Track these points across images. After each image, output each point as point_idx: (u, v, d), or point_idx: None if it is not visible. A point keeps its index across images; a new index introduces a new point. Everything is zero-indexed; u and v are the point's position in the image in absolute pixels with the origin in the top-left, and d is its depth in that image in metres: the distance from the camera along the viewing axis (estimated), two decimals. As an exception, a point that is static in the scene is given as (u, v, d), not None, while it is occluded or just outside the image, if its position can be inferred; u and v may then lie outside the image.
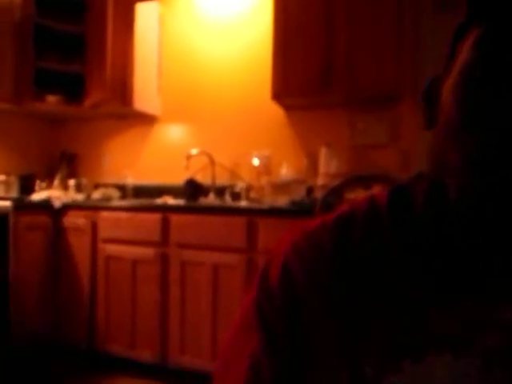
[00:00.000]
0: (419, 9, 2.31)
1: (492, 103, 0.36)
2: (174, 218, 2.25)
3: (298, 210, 2.08)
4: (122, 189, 2.90)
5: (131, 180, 2.95)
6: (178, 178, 2.70)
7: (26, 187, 2.70)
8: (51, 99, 2.80)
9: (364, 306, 0.43)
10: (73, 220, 2.48)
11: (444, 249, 0.42)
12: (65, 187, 2.87)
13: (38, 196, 2.56)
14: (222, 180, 2.72)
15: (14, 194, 2.64)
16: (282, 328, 0.45)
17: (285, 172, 2.53)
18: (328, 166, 2.39)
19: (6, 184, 2.63)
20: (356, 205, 0.49)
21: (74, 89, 2.83)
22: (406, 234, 0.44)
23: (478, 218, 0.39)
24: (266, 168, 2.58)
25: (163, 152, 2.95)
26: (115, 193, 2.77)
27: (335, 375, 0.42)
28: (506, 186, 0.36)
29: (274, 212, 2.10)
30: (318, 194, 2.33)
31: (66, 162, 3.10)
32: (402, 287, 0.42)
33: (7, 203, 2.19)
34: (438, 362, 0.39)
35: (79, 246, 2.45)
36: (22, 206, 2.33)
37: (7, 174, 2.69)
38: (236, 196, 2.62)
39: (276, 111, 2.63)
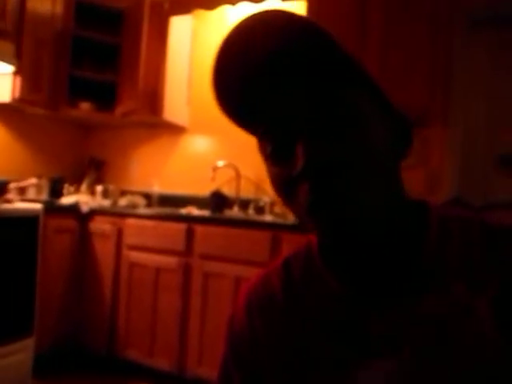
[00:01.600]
0: (452, 31, 2.31)
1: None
2: (199, 229, 2.28)
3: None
4: (148, 197, 2.95)
5: (157, 189, 3.00)
6: (204, 189, 2.74)
7: (56, 191, 2.77)
8: (84, 106, 2.88)
9: (311, 334, 0.50)
10: (99, 225, 2.53)
11: (358, 272, 0.49)
12: (92, 192, 2.93)
13: (66, 200, 2.62)
14: (247, 193, 2.75)
15: (45, 196, 2.71)
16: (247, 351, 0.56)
17: (310, 188, 2.53)
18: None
19: (38, 187, 2.70)
20: (298, 248, 0.58)
21: (106, 97, 2.91)
22: (333, 267, 0.52)
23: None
24: (291, 183, 2.60)
25: (190, 162, 3.00)
26: (141, 200, 2.82)
27: None
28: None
29: (298, 228, 2.10)
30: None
31: (94, 168, 3.17)
32: (338, 311, 0.49)
33: (38, 206, 2.25)
34: (380, 366, 0.44)
35: (104, 252, 2.50)
36: (52, 209, 2.39)
37: (39, 176, 2.77)
38: (260, 210, 2.64)
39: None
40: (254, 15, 0.46)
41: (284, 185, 0.46)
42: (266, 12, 0.45)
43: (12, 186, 2.61)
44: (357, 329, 0.47)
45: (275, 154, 0.46)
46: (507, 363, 0.41)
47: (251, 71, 0.45)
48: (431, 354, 0.43)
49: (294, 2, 2.67)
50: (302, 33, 0.42)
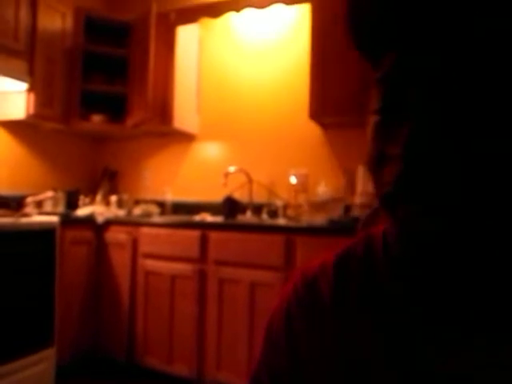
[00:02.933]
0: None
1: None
2: (213, 235, 2.29)
3: (335, 229, 2.07)
4: (162, 205, 2.98)
5: (170, 196, 3.03)
6: (216, 195, 2.75)
7: (71, 202, 2.82)
8: (96, 119, 2.93)
9: (364, 354, 0.42)
10: (114, 235, 2.56)
11: (437, 290, 0.39)
12: (106, 203, 2.97)
13: (82, 211, 2.67)
14: (260, 198, 2.75)
15: (61, 208, 2.76)
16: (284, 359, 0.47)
17: (322, 190, 2.53)
18: (365, 185, 2.37)
19: (54, 199, 2.76)
20: (352, 247, 0.48)
21: (116, 109, 2.96)
22: (401, 279, 0.42)
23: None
24: (304, 186, 2.60)
25: (201, 169, 3.02)
26: (155, 209, 2.85)
27: None
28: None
29: (312, 230, 2.10)
30: (356, 213, 2.32)
31: (108, 179, 3.22)
32: (403, 333, 0.40)
33: (55, 218, 2.30)
34: None
35: (120, 261, 2.53)
36: (68, 221, 2.44)
37: (55, 189, 2.82)
38: (273, 214, 2.64)
39: (313, 130, 2.65)
40: None
41: (378, 154, 0.38)
42: None
43: (29, 199, 2.67)
44: (422, 358, 0.38)
45: (383, 109, 0.37)
46: None
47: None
48: None
49: (299, 5, 2.68)
50: None
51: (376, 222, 0.50)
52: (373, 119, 0.38)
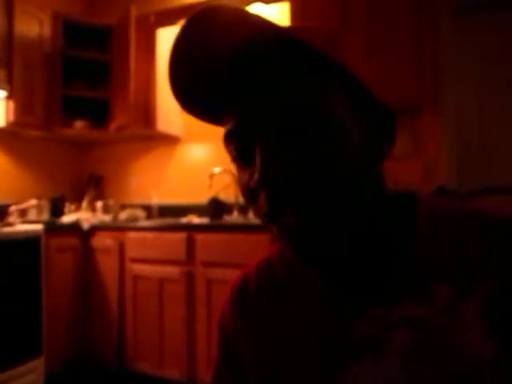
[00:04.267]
0: (437, 18, 2.31)
1: None
2: (199, 237, 2.29)
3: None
4: (148, 209, 2.97)
5: (156, 200, 3.02)
6: (202, 197, 2.75)
7: (57, 210, 2.80)
8: (79, 125, 2.91)
9: (293, 334, 0.49)
10: (101, 241, 2.55)
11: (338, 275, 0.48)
12: (93, 209, 2.95)
13: (67, 218, 2.64)
14: (245, 197, 2.75)
15: (45, 216, 2.73)
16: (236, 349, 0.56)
17: (307, 188, 2.54)
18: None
19: (39, 207, 2.73)
20: (282, 246, 0.55)
21: (99, 114, 2.94)
22: (320, 268, 0.49)
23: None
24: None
25: (187, 172, 3.01)
26: (141, 213, 2.83)
27: None
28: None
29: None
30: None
31: (93, 185, 3.20)
32: (322, 310, 0.48)
33: (39, 226, 2.27)
34: (361, 368, 0.43)
35: (107, 266, 2.51)
36: (53, 228, 2.42)
37: (39, 197, 2.79)
38: (259, 213, 2.64)
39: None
40: (208, 9, 0.41)
41: (246, 190, 0.45)
42: (221, 7, 0.41)
43: (13, 208, 2.64)
44: (338, 330, 0.46)
45: (238, 157, 0.45)
46: (497, 367, 0.39)
47: (218, 63, 0.43)
48: (413, 357, 0.41)
49: (277, 4, 2.69)
50: (268, 27, 0.40)
51: None
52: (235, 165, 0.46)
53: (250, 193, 0.44)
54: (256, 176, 0.41)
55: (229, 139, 0.45)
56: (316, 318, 0.48)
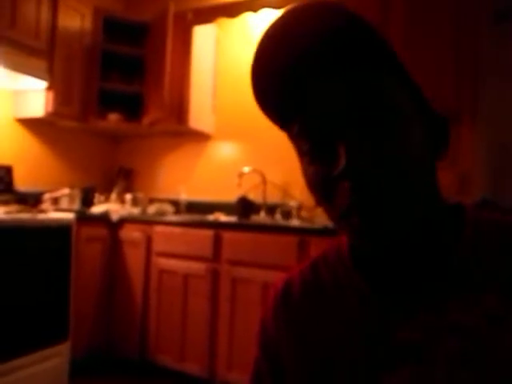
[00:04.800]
0: (477, 22, 2.25)
1: None
2: (226, 235, 2.29)
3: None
4: (176, 204, 3.00)
5: (184, 196, 3.04)
6: (230, 195, 2.76)
7: (87, 200, 2.86)
8: (112, 117, 2.96)
9: (337, 336, 0.49)
10: (129, 233, 2.58)
11: (391, 275, 0.48)
12: (121, 201, 3.00)
13: (97, 209, 2.70)
14: (274, 198, 2.75)
15: (76, 206, 2.79)
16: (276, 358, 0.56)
17: (336, 192, 2.51)
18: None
19: (70, 196, 2.79)
20: (327, 250, 0.58)
21: (133, 108, 2.98)
22: (363, 270, 0.51)
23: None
24: (318, 187, 2.58)
25: (216, 169, 3.03)
26: (169, 208, 2.86)
27: None
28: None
29: (325, 232, 2.08)
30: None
31: (123, 177, 3.25)
32: (366, 313, 0.48)
33: (71, 215, 2.33)
34: (407, 372, 0.43)
35: (134, 259, 2.55)
36: (84, 218, 2.47)
37: (71, 187, 2.86)
38: (287, 215, 2.63)
39: (328, 131, 2.63)
40: (288, 11, 0.44)
41: (322, 184, 0.45)
42: (300, 7, 0.44)
43: (46, 196, 2.71)
44: (383, 332, 0.46)
45: (314, 151, 0.45)
46: None
47: (290, 66, 0.44)
48: (460, 365, 0.41)
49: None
50: (340, 23, 0.41)
51: None
52: (308, 168, 0.46)
53: (326, 185, 0.44)
54: (342, 163, 0.41)
55: (301, 135, 0.45)
56: (360, 322, 0.48)
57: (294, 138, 0.47)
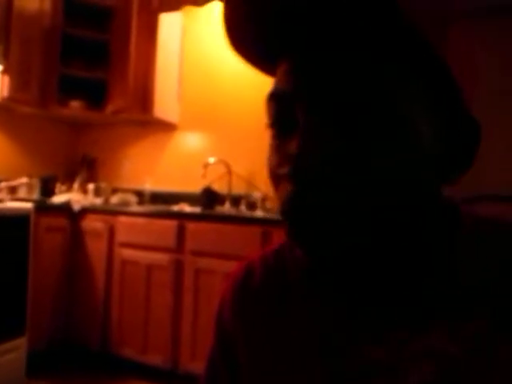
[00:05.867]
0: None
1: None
2: (190, 226, 2.29)
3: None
4: (140, 194, 2.95)
5: (149, 186, 3.00)
6: (195, 186, 2.74)
7: (47, 189, 2.77)
8: (74, 105, 2.88)
9: (296, 340, 0.43)
10: (91, 223, 2.53)
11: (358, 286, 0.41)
12: (84, 191, 2.93)
13: (58, 199, 2.62)
14: (238, 189, 2.75)
15: (36, 195, 2.70)
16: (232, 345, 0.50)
17: (301, 183, 2.54)
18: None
19: (29, 186, 2.70)
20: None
21: (96, 95, 2.90)
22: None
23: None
24: (282, 179, 2.60)
25: (181, 159, 3.00)
26: (133, 198, 2.82)
27: None
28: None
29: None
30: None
31: (86, 166, 3.17)
32: (330, 316, 0.41)
33: (29, 205, 2.25)
34: None
35: (96, 250, 2.50)
36: (43, 208, 2.39)
37: (30, 176, 2.76)
38: (252, 206, 2.64)
39: (294, 123, 2.65)
40: None
41: (273, 170, 0.38)
42: None
43: (2, 185, 2.61)
44: (352, 350, 0.39)
45: (277, 123, 0.38)
46: None
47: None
48: None
49: None
50: None
51: None
52: (269, 134, 0.39)
53: (275, 177, 0.38)
54: (287, 167, 0.35)
55: (273, 98, 0.38)
56: (325, 333, 0.41)
57: (268, 97, 0.39)
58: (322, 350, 0.41)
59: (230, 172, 2.77)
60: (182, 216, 2.35)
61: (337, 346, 0.40)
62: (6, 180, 2.67)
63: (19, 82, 2.56)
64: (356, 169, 0.34)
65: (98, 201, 2.79)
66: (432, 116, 0.36)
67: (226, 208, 2.69)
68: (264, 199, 2.62)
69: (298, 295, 0.45)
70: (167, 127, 3.02)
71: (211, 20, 2.94)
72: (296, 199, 0.35)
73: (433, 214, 0.40)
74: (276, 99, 0.38)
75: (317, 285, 0.44)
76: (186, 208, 2.66)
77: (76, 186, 2.97)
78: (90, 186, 2.90)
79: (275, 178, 0.38)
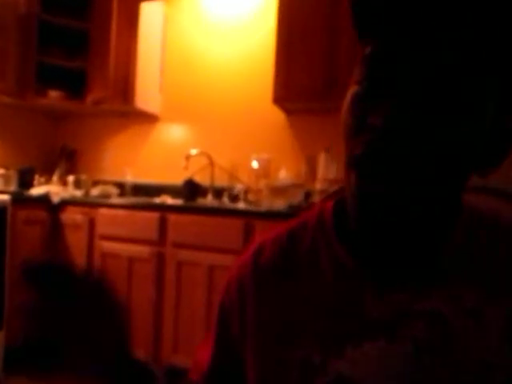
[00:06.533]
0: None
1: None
2: (172, 218, 2.26)
3: (295, 214, 2.08)
4: (121, 186, 2.91)
5: (130, 178, 2.96)
6: (177, 178, 2.71)
7: (25, 181, 2.71)
8: (53, 94, 2.81)
9: (306, 307, 0.49)
10: (70, 216, 2.49)
11: (372, 249, 0.47)
12: (63, 183, 2.87)
13: (36, 191, 2.57)
14: (221, 181, 2.74)
15: (13, 187, 2.64)
16: (236, 326, 0.54)
17: (283, 176, 2.54)
18: (327, 172, 2.40)
19: (5, 178, 2.63)
20: (306, 218, 0.55)
21: (76, 85, 2.84)
22: (347, 243, 0.49)
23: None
24: (265, 171, 2.59)
25: (163, 151, 2.97)
26: (114, 190, 2.78)
27: (286, 367, 0.48)
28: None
29: (271, 215, 2.11)
30: (316, 199, 2.35)
31: (65, 158, 3.11)
32: (342, 284, 0.48)
33: (5, 197, 2.20)
34: (373, 348, 0.44)
35: (76, 242, 2.46)
36: (21, 200, 2.34)
37: (6, 167, 2.69)
38: (234, 198, 2.63)
39: (277, 115, 2.64)
40: None
41: (356, 114, 0.42)
42: None
43: (-22, 176, 2.54)
44: (356, 308, 0.46)
45: (368, 77, 0.42)
46: (509, 373, 0.41)
47: None
48: (427, 349, 0.42)
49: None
50: None
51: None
52: (353, 89, 0.43)
53: (358, 127, 0.42)
54: (380, 119, 0.39)
55: (369, 61, 0.42)
56: (334, 293, 0.48)
57: (364, 59, 0.43)
58: (331, 312, 0.47)
59: (212, 164, 2.75)
60: (163, 208, 2.33)
61: (346, 308, 0.46)
62: (-18, 171, 2.60)
63: (-6, 70, 2.49)
64: (426, 138, 0.39)
65: (78, 193, 2.74)
66: (497, 111, 0.42)
67: (209, 200, 2.68)
68: (246, 191, 2.62)
69: (309, 266, 0.50)
70: (149, 118, 2.98)
71: (194, 9, 2.90)
72: (377, 151, 0.40)
73: (457, 193, 0.46)
74: (376, 59, 0.42)
75: (329, 255, 0.49)
76: (168, 200, 2.63)
77: (55, 178, 2.92)
78: (70, 178, 2.85)
79: (356, 128, 0.42)
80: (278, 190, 2.51)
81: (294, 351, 0.47)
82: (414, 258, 0.45)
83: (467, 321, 0.42)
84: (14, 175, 2.67)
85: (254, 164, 2.61)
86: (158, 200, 2.64)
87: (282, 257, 0.53)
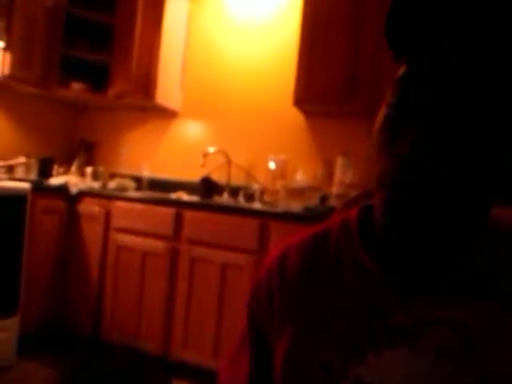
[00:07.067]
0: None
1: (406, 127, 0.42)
2: (187, 214, 2.28)
3: (311, 217, 2.09)
4: (138, 180, 2.94)
5: (147, 172, 2.99)
6: (194, 175, 2.73)
7: (45, 171, 2.75)
8: (76, 86, 2.84)
9: (330, 309, 0.50)
10: (88, 207, 2.52)
11: (398, 257, 0.48)
12: (81, 174, 2.91)
13: (55, 181, 2.60)
14: (237, 180, 2.75)
15: (33, 176, 2.68)
16: (270, 337, 0.54)
17: (300, 178, 2.54)
18: (343, 175, 2.39)
19: (27, 166, 2.68)
20: (330, 225, 0.56)
21: (98, 78, 2.87)
22: (372, 250, 0.50)
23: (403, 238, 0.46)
24: (282, 172, 2.60)
25: (181, 147, 2.99)
26: (131, 184, 2.80)
27: (309, 370, 0.49)
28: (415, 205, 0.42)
29: (287, 216, 2.11)
30: (332, 202, 2.34)
31: (84, 150, 3.15)
32: (366, 290, 0.49)
33: (26, 185, 2.24)
34: (396, 355, 0.44)
35: (92, 234, 2.49)
36: (40, 189, 2.38)
37: (28, 156, 2.74)
38: (250, 197, 2.64)
39: (296, 116, 2.64)
40: None
41: (387, 126, 0.44)
42: None
43: (0, 164, 2.58)
44: (379, 314, 0.47)
45: (397, 102, 0.43)
46: None
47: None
48: (449, 357, 0.43)
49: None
50: None
51: (354, 207, 0.56)
52: (383, 111, 0.45)
53: (387, 148, 0.43)
54: (405, 146, 0.41)
55: (399, 84, 0.44)
56: (359, 299, 0.49)
57: (396, 81, 0.45)
58: (356, 317, 0.48)
59: (229, 162, 2.76)
60: (179, 204, 2.35)
61: (370, 314, 0.47)
62: (4, 159, 2.65)
63: (21, 60, 2.53)
64: (460, 164, 0.41)
65: (96, 185, 2.77)
66: None
67: (224, 198, 2.69)
68: (262, 191, 2.62)
69: (334, 272, 0.52)
70: (168, 114, 3.00)
71: (217, 7, 2.91)
72: (404, 180, 0.42)
73: (485, 209, 0.47)
74: (405, 84, 0.43)
75: (354, 262, 0.50)
76: (184, 196, 2.65)
77: (74, 168, 2.95)
78: (88, 170, 2.88)
79: (386, 149, 0.44)
80: (294, 192, 2.51)
81: (317, 355, 0.48)
82: (440, 267, 0.46)
83: (490, 333, 0.43)
84: (34, 164, 2.72)
85: (271, 165, 2.61)
86: (173, 196, 2.65)
87: (307, 263, 0.54)
